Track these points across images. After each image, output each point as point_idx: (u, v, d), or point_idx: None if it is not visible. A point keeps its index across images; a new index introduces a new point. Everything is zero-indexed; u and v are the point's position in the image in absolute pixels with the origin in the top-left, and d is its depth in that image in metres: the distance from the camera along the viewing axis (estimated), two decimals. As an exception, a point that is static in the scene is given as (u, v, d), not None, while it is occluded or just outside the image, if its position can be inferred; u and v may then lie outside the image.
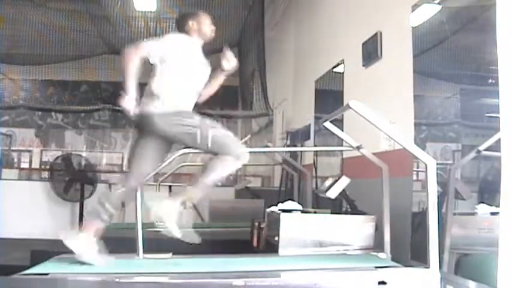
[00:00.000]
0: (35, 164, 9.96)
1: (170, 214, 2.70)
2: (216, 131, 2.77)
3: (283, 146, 6.68)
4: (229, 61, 3.03)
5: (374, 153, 3.35)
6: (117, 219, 8.41)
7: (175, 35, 2.98)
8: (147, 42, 2.88)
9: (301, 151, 6.26)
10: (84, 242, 2.67)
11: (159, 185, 6.16)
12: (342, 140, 3.54)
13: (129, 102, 2.75)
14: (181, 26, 3.00)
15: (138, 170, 2.88)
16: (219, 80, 3.10)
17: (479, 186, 3.24)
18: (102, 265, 2.62)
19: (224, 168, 2.77)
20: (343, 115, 4.00)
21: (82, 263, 2.65)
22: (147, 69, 2.89)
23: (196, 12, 3.04)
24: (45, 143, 10.08)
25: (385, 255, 3.04)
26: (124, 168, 10.02)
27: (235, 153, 2.75)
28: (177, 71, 2.85)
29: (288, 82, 7.63)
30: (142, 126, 2.87)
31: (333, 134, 3.29)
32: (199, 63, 2.98)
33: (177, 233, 2.70)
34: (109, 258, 2.71)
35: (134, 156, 2.89)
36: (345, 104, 2.66)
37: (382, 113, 2.61)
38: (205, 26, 3.01)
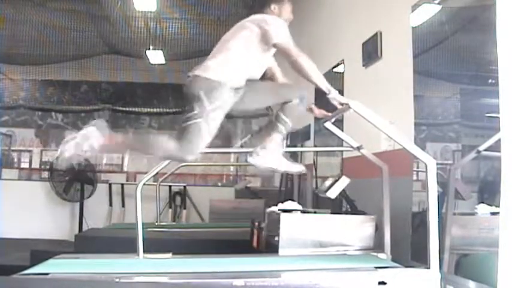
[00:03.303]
0: (35, 164, 9.96)
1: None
2: (201, 123, 2.61)
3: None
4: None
5: (374, 153, 3.35)
6: (117, 219, 8.42)
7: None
8: (288, 37, 2.74)
9: (301, 151, 6.26)
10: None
11: (159, 185, 6.16)
12: (342, 140, 3.54)
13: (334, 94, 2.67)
14: (261, 7, 2.90)
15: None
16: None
17: (479, 186, 3.24)
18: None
19: (162, 149, 2.68)
20: (343, 115, 4.00)
21: (82, 263, 2.65)
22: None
23: None
24: (45, 143, 10.07)
25: (385, 256, 3.04)
26: (124, 168, 10.04)
27: (182, 150, 2.63)
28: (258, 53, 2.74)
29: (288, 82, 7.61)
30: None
31: (333, 134, 3.29)
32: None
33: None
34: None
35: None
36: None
37: (382, 113, 2.61)
38: (286, 13, 2.93)
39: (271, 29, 2.69)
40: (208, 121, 2.62)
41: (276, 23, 2.74)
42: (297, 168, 3.02)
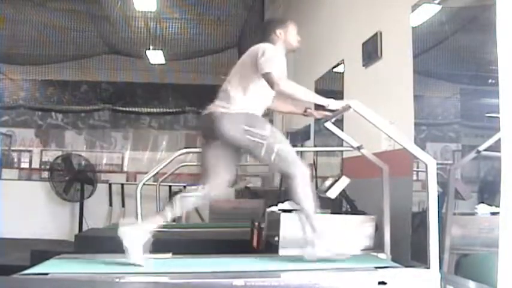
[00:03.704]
0: (35, 164, 9.95)
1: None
2: (281, 146, 2.69)
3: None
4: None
5: (374, 153, 3.35)
6: (117, 219, 8.42)
7: (279, 51, 2.84)
8: (277, 70, 2.68)
9: (301, 151, 6.26)
10: (139, 237, 2.63)
11: (159, 185, 6.16)
12: (342, 140, 3.54)
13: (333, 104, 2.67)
14: (267, 33, 2.87)
15: (216, 181, 2.79)
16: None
17: (479, 186, 3.24)
18: (142, 265, 2.58)
19: (301, 189, 2.73)
20: (343, 115, 4.00)
21: (82, 263, 2.65)
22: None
23: (286, 21, 2.93)
24: (45, 143, 10.06)
25: (385, 256, 3.04)
26: (124, 168, 10.03)
27: (292, 172, 2.69)
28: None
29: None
30: (208, 127, 2.75)
31: (334, 134, 3.29)
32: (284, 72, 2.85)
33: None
34: (147, 257, 2.67)
35: (208, 168, 2.79)
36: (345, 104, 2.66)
37: (382, 113, 2.61)
38: (292, 36, 2.89)
39: (260, 62, 2.67)
40: (277, 138, 2.73)
41: (267, 55, 2.68)
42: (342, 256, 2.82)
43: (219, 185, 2.81)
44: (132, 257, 2.59)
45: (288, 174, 2.70)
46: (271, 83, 2.62)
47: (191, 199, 2.81)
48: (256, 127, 2.66)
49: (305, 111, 3.15)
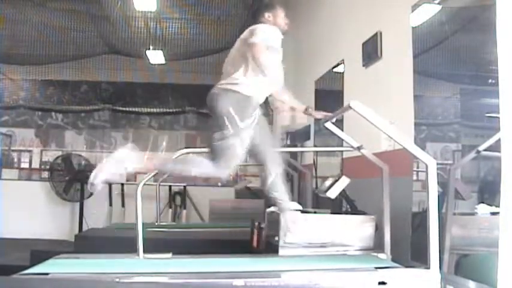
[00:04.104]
0: (35, 164, 9.94)
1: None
2: (236, 145, 2.75)
3: (283, 146, 6.67)
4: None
5: (374, 154, 3.35)
6: (117, 219, 8.42)
7: (273, 29, 2.93)
8: (262, 43, 2.79)
9: (301, 151, 6.26)
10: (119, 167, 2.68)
11: (159, 185, 6.16)
12: (342, 140, 3.54)
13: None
14: (257, 17, 3.00)
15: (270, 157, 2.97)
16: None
17: (479, 186, 3.24)
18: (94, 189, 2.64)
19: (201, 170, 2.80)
20: (343, 115, 4.01)
21: (82, 263, 2.65)
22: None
23: (273, 5, 3.06)
24: (45, 143, 10.06)
25: (385, 256, 3.04)
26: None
27: (215, 164, 2.76)
28: (270, 61, 2.82)
29: (288, 82, 7.61)
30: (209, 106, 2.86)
31: (334, 134, 3.29)
32: (280, 56, 2.97)
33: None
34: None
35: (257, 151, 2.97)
36: (345, 104, 2.66)
37: (382, 113, 2.61)
38: (280, 18, 3.02)
39: (251, 38, 2.79)
40: (242, 140, 2.76)
41: (257, 31, 2.82)
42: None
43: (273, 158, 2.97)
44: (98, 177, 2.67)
45: (211, 161, 2.76)
46: (252, 53, 2.74)
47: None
48: (239, 116, 2.73)
49: (306, 109, 3.20)
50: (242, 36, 2.90)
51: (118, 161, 2.70)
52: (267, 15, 2.98)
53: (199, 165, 2.80)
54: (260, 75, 2.80)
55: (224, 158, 2.74)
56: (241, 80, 2.80)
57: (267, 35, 2.81)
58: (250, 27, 2.89)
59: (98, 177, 2.65)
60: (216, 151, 2.76)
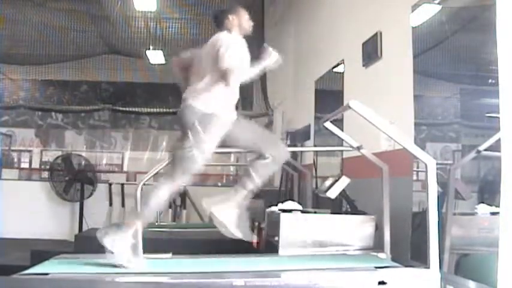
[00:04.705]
0: (35, 164, 9.96)
1: (230, 217, 2.77)
2: (195, 156, 2.72)
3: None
4: (272, 58, 2.94)
5: (374, 153, 3.35)
6: (117, 219, 8.41)
7: (236, 37, 2.90)
8: (232, 58, 2.73)
9: (301, 151, 6.26)
10: (123, 242, 2.61)
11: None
12: (342, 140, 3.54)
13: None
14: (220, 22, 2.96)
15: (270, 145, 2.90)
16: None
17: (479, 186, 3.24)
18: (138, 267, 2.58)
19: (156, 194, 2.75)
20: (343, 115, 4.01)
21: (82, 263, 2.65)
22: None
23: (236, 7, 3.02)
24: (45, 143, 10.07)
25: (385, 255, 3.04)
26: (124, 168, 10.03)
27: (173, 176, 2.76)
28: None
29: (288, 82, 7.63)
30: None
31: (333, 134, 3.29)
32: (247, 59, 2.90)
33: (238, 234, 2.76)
34: (144, 259, 2.70)
35: (249, 143, 2.92)
36: (345, 104, 2.66)
37: (382, 113, 2.61)
38: (244, 20, 2.99)
39: (219, 55, 2.74)
40: (203, 151, 2.73)
41: (224, 46, 2.77)
42: (246, 237, 2.90)
43: (276, 146, 2.93)
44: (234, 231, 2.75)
45: (169, 175, 2.77)
46: (225, 79, 2.72)
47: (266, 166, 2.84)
48: (202, 130, 2.70)
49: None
50: (208, 47, 2.85)
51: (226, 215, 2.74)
52: (231, 17, 2.94)
53: (158, 189, 2.76)
54: (224, 86, 2.76)
55: (183, 168, 2.74)
56: (203, 96, 2.76)
57: (232, 48, 2.76)
58: (212, 40, 2.85)
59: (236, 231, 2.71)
60: (177, 160, 2.76)
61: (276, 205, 3.58)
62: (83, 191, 8.18)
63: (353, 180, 3.46)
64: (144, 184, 3.45)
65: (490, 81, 2.93)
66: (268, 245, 3.54)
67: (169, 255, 3.15)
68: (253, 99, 9.18)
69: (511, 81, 1.12)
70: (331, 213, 3.76)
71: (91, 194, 8.24)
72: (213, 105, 2.75)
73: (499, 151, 1.15)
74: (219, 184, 9.98)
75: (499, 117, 1.14)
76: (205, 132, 2.70)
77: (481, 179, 3.25)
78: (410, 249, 3.37)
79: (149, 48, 8.24)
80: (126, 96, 9.92)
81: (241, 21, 2.96)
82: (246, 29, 2.99)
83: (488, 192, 3.05)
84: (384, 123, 2.56)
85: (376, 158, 3.25)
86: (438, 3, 3.55)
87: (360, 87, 4.69)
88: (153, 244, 3.15)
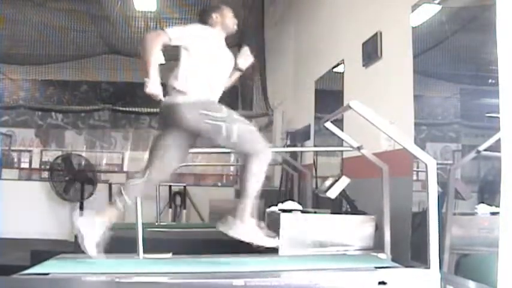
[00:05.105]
0: (35, 164, 9.96)
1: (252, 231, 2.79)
2: (241, 126, 2.72)
3: (283, 146, 6.68)
4: (246, 59, 3.01)
5: (374, 153, 3.35)
6: (117, 219, 8.39)
7: (200, 25, 2.94)
8: (170, 29, 2.85)
9: (301, 151, 6.26)
10: (95, 225, 2.69)
11: (159, 185, 6.15)
12: (342, 140, 3.53)
13: (153, 87, 2.81)
14: (204, 19, 2.97)
15: (160, 165, 2.82)
16: (234, 77, 3.07)
17: (479, 186, 3.24)
18: (96, 258, 2.64)
19: (256, 169, 2.72)
20: (343, 115, 4.01)
21: (82, 263, 2.65)
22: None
23: (220, 6, 3.03)
24: (45, 143, 10.08)
25: (385, 256, 3.04)
26: (124, 168, 10.03)
27: (256, 149, 2.70)
28: (203, 61, 2.81)
29: (288, 82, 7.63)
30: (166, 118, 2.85)
31: (334, 134, 3.29)
32: (224, 56, 2.94)
33: (269, 243, 2.79)
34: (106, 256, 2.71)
35: (156, 149, 2.84)
36: (345, 104, 2.66)
37: (382, 113, 2.60)
38: (228, 18, 2.99)
39: None
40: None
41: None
42: (270, 242, 2.87)
43: (164, 171, 2.87)
44: (87, 246, 2.65)
45: (251, 153, 2.70)
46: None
47: (137, 185, 2.82)
48: (212, 110, 2.70)
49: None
50: None
51: (88, 227, 2.70)
52: (215, 16, 2.94)
53: (261, 163, 2.75)
54: (202, 76, 2.79)
55: (251, 140, 2.72)
56: (188, 90, 2.79)
57: (183, 29, 2.84)
58: None
59: (89, 248, 2.66)
60: (243, 145, 2.73)
61: (276, 205, 3.58)
62: (83, 191, 8.18)
63: (353, 180, 3.45)
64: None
65: (490, 81, 2.94)
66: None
67: (169, 255, 3.15)
68: (253, 99, 9.19)
69: (511, 81, 1.12)
70: (331, 213, 3.76)
71: (91, 194, 8.24)
72: (201, 95, 2.80)
73: (499, 151, 1.15)
74: (219, 184, 9.99)
75: (499, 117, 1.14)
76: (213, 110, 2.73)
77: (481, 179, 3.25)
78: (411, 250, 3.37)
79: (149, 48, 8.23)
80: (126, 96, 9.91)
81: (225, 19, 2.98)
82: (230, 28, 3.00)
83: (488, 192, 3.05)
84: (384, 123, 2.56)
85: (376, 158, 3.25)
86: (438, 3, 3.55)
87: (360, 87, 4.69)
88: (153, 244, 3.16)
